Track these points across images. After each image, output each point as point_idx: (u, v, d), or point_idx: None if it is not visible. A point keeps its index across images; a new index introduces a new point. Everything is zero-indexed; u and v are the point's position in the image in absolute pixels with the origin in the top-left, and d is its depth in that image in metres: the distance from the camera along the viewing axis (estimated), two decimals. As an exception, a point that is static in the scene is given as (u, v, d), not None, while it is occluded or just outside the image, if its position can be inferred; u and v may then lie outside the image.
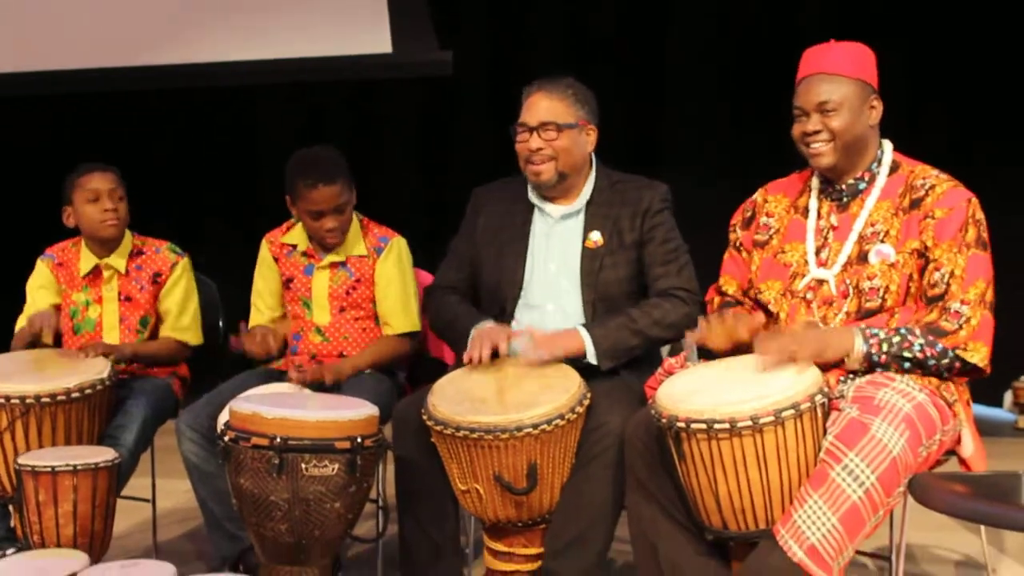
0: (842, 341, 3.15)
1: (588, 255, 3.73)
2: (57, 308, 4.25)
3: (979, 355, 3.13)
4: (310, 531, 3.23)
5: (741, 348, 3.29)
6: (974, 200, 3.23)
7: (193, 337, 4.29)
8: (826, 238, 3.35)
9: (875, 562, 4.01)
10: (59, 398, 3.66)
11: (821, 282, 3.31)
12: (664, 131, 6.64)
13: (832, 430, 2.98)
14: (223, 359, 4.41)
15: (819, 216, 3.39)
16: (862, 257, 3.27)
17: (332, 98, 7.09)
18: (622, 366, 3.62)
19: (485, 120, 6.56)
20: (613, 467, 3.36)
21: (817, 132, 3.28)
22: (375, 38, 6.84)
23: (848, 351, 3.14)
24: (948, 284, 3.15)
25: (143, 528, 4.48)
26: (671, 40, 6.62)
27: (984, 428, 3.37)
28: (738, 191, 3.65)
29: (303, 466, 3.19)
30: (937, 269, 3.17)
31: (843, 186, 3.35)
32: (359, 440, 3.24)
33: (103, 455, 3.51)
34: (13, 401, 3.63)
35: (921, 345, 3.12)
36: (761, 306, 3.42)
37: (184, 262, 4.30)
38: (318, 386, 3.83)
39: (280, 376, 3.97)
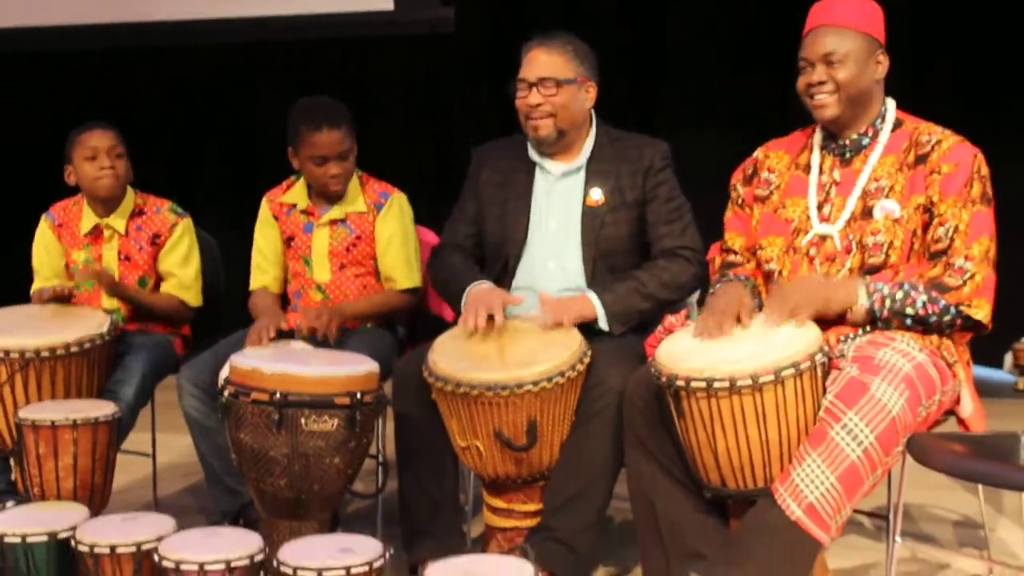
0: (847, 294, 3.15)
1: (589, 213, 3.72)
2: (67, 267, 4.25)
3: (982, 311, 3.13)
4: (309, 486, 3.24)
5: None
6: (979, 156, 3.22)
7: (193, 298, 4.27)
8: (828, 193, 3.34)
9: (873, 521, 4.03)
10: (58, 352, 3.66)
11: (824, 238, 3.30)
12: (664, 89, 6.60)
13: (832, 389, 2.98)
14: (224, 318, 4.41)
15: (821, 171, 3.38)
16: (866, 212, 3.26)
17: (332, 56, 7.04)
18: (625, 324, 3.62)
19: (487, 78, 6.52)
20: (613, 425, 3.36)
21: (822, 83, 3.26)
22: (376, -6, 6.81)
23: (852, 304, 3.14)
24: (952, 239, 3.15)
25: (143, 482, 4.49)
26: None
27: (984, 389, 3.37)
28: (739, 149, 3.64)
29: (303, 421, 3.19)
30: (941, 224, 3.17)
31: (846, 141, 3.34)
32: (359, 396, 3.24)
33: (103, 409, 3.52)
34: (12, 355, 3.63)
35: (924, 302, 3.11)
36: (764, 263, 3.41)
37: (185, 223, 4.28)
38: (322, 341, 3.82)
39: (281, 334, 3.96)
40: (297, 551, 2.91)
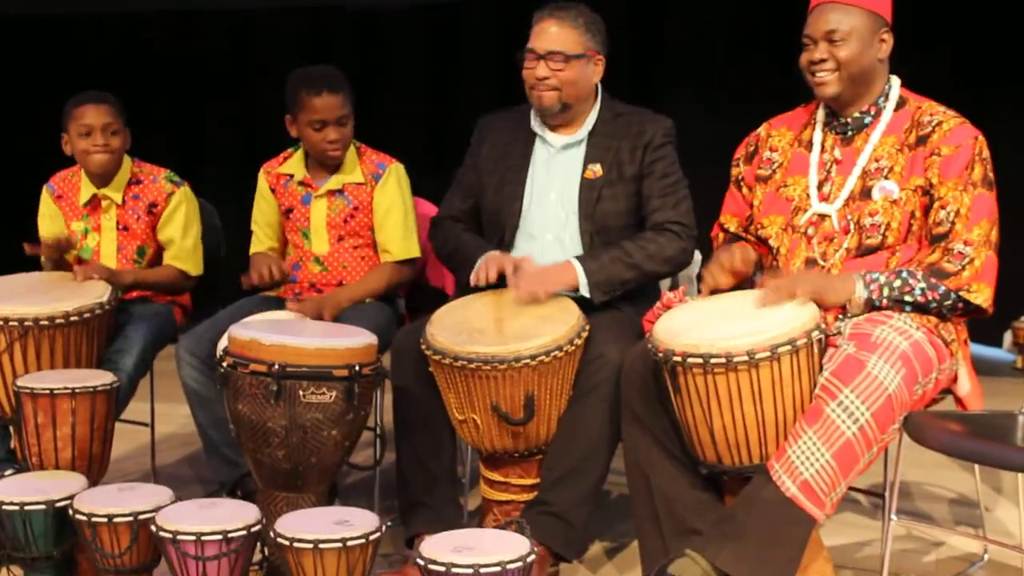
0: (844, 287, 3.14)
1: (587, 186, 3.70)
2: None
3: (982, 296, 3.13)
4: (307, 458, 3.25)
5: (742, 283, 3.29)
6: (981, 138, 3.21)
7: (193, 267, 4.26)
8: (829, 172, 3.33)
9: (869, 499, 4.04)
10: (58, 321, 3.66)
11: (823, 217, 3.30)
12: (667, 63, 6.58)
13: (828, 366, 2.98)
14: (223, 286, 4.41)
15: (823, 149, 3.37)
16: (865, 193, 3.26)
17: (336, 24, 7.02)
18: (621, 299, 3.61)
19: (493, 47, 6.49)
20: (610, 399, 3.37)
21: (823, 61, 3.25)
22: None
23: (849, 297, 3.14)
24: (953, 223, 3.14)
25: (142, 452, 4.50)
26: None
27: (983, 368, 3.38)
28: (742, 125, 3.63)
29: (301, 393, 3.19)
30: (943, 207, 3.16)
31: (848, 119, 3.33)
32: (357, 368, 3.25)
33: (101, 379, 3.52)
34: (12, 323, 3.63)
35: (923, 289, 3.11)
36: (762, 242, 3.41)
37: (182, 191, 4.26)
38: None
39: (280, 304, 3.97)
40: (294, 523, 2.92)
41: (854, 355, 2.96)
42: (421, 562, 2.69)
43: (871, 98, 3.31)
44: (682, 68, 6.50)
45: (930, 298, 3.11)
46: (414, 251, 4.12)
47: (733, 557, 2.95)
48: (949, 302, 3.12)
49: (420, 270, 4.25)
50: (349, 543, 2.85)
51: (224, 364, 3.28)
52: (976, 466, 3.64)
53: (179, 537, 2.89)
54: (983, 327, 3.40)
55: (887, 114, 3.30)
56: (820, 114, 3.41)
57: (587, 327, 3.43)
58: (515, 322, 3.45)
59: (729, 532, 2.98)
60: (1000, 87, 5.91)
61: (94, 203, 4.22)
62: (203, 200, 4.43)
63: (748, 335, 2.96)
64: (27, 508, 3.13)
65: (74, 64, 7.01)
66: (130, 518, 3.04)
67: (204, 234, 4.35)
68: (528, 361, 3.30)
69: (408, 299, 4.29)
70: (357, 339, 3.33)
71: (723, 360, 2.93)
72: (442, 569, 2.65)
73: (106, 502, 3.09)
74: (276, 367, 3.17)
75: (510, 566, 2.65)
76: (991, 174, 3.20)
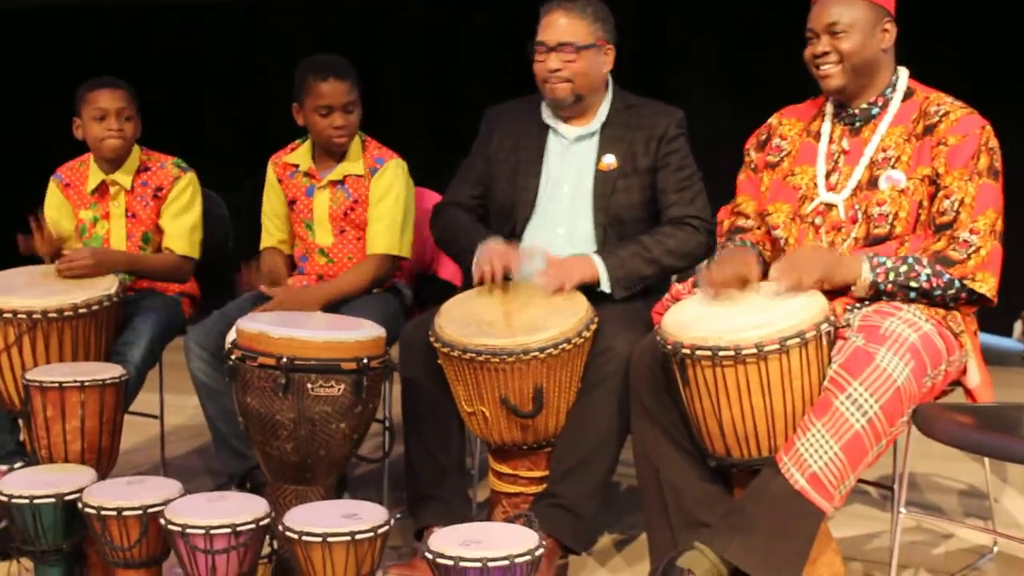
0: (850, 268, 3.14)
1: (601, 178, 3.70)
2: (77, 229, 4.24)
3: (987, 285, 3.12)
4: (315, 451, 3.25)
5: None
6: (988, 128, 3.21)
7: (189, 249, 4.20)
8: (837, 162, 3.33)
9: (878, 491, 4.03)
10: (66, 314, 3.66)
11: (830, 206, 3.30)
12: (675, 54, 6.57)
13: (837, 359, 2.98)
14: (232, 278, 4.40)
15: (831, 140, 3.37)
16: (872, 182, 3.25)
17: (340, 15, 7.01)
18: (632, 292, 3.61)
19: (497, 38, 6.48)
20: (619, 392, 3.36)
21: (826, 54, 3.25)
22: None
23: (855, 278, 3.13)
24: (957, 212, 3.14)
25: (151, 444, 4.51)
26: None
27: (992, 358, 3.37)
28: (751, 116, 3.63)
29: (309, 386, 3.19)
30: (947, 197, 3.16)
31: (856, 110, 3.32)
32: (365, 361, 3.24)
33: (110, 372, 3.52)
34: (20, 316, 3.63)
35: (928, 275, 3.10)
36: (769, 230, 3.40)
37: (188, 177, 4.24)
38: None
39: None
40: (302, 517, 2.92)
41: (863, 347, 2.95)
42: (429, 556, 2.69)
43: (878, 89, 3.30)
44: (689, 59, 6.48)
45: (935, 284, 3.10)
46: (397, 248, 4.05)
47: (742, 550, 2.95)
48: (953, 290, 3.11)
49: (429, 262, 4.25)
50: (358, 537, 2.84)
51: (232, 357, 3.28)
52: (986, 458, 3.63)
53: (188, 530, 2.88)
54: (993, 317, 3.39)
55: (895, 104, 3.30)
56: (829, 107, 3.41)
57: (596, 319, 3.43)
58: (524, 314, 3.44)
59: (738, 525, 2.98)
60: (1010, 81, 5.88)
61: (102, 190, 4.21)
62: (210, 191, 4.42)
63: (757, 327, 2.96)
64: (36, 501, 3.13)
65: (75, 58, 6.98)
66: (139, 511, 3.03)
67: (212, 225, 4.35)
68: (537, 354, 3.30)
69: (416, 291, 4.28)
70: (365, 332, 3.32)
71: (732, 353, 2.93)
72: (450, 563, 2.65)
73: (115, 495, 3.09)
74: (284, 360, 3.17)
75: (518, 560, 2.64)
76: (997, 164, 3.19)
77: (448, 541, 2.70)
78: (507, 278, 3.55)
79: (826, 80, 3.27)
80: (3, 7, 7.17)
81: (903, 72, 3.34)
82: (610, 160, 3.70)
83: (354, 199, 4.05)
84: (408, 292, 4.23)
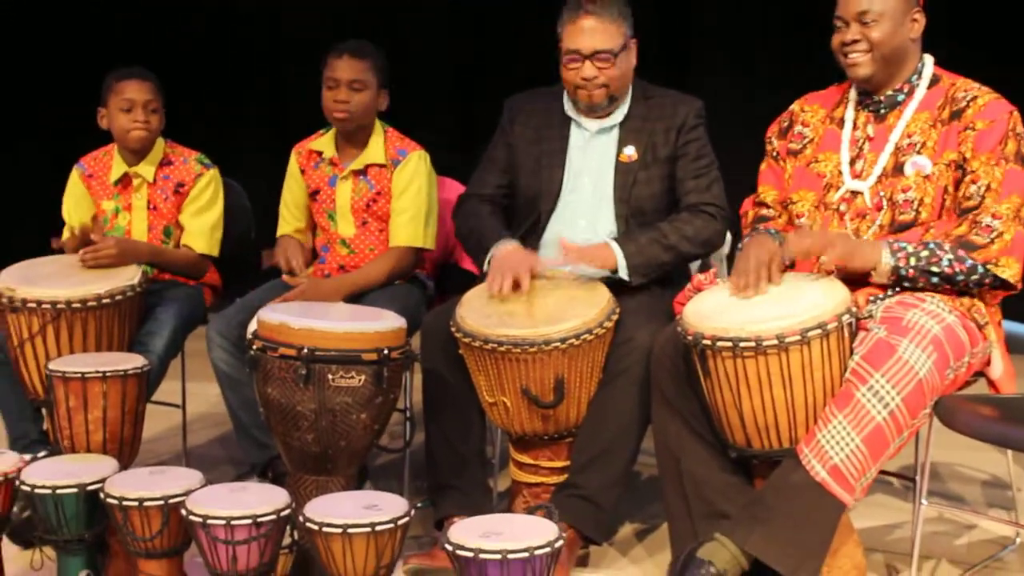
0: (871, 252, 3.13)
1: (622, 169, 3.69)
2: (94, 218, 4.24)
3: (1011, 271, 3.10)
4: (336, 441, 3.25)
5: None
6: (1016, 113, 3.19)
7: (207, 247, 4.21)
8: (861, 149, 3.31)
9: (900, 481, 4.01)
10: (89, 304, 3.67)
11: (856, 194, 3.29)
12: (696, 43, 6.54)
13: (859, 350, 2.97)
14: (254, 267, 4.41)
15: (855, 127, 3.35)
16: (897, 169, 3.24)
17: (365, 2, 6.99)
18: (651, 281, 3.60)
19: (518, 27, 6.46)
20: (640, 382, 3.36)
21: (855, 42, 3.23)
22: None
23: (875, 263, 3.12)
24: (983, 197, 3.12)
25: (173, 433, 4.52)
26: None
27: (1016, 346, 3.34)
28: (773, 104, 3.61)
29: (330, 377, 3.20)
30: (974, 182, 3.14)
31: (881, 97, 3.31)
32: (386, 352, 3.24)
33: (132, 362, 3.53)
34: (44, 306, 3.64)
35: (950, 260, 3.08)
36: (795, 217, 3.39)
37: (211, 174, 4.24)
38: None
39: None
40: (323, 508, 2.92)
41: (885, 339, 2.94)
42: (449, 547, 2.69)
43: (903, 77, 3.29)
44: (713, 46, 6.45)
45: (957, 270, 3.08)
46: (420, 240, 4.05)
47: (762, 541, 2.95)
48: (976, 276, 3.09)
49: (451, 251, 4.24)
50: (378, 528, 2.84)
51: (253, 348, 3.29)
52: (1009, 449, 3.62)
53: (209, 521, 2.89)
54: (1017, 304, 3.37)
55: (920, 91, 3.28)
56: (852, 93, 3.39)
57: (617, 310, 3.42)
58: (545, 305, 3.44)
59: (758, 516, 2.98)
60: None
61: (125, 181, 4.21)
62: (233, 181, 4.42)
63: (778, 319, 2.95)
64: (59, 491, 3.14)
65: (98, 48, 6.98)
66: (160, 502, 3.04)
67: (235, 215, 4.35)
68: (558, 344, 3.30)
69: (438, 281, 4.29)
70: (386, 323, 3.33)
71: (752, 344, 2.92)
72: (470, 554, 2.65)
73: (137, 486, 3.09)
74: (305, 351, 3.18)
75: (538, 552, 2.65)
76: (1024, 149, 3.17)
77: (468, 533, 2.71)
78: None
79: (854, 69, 3.25)
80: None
81: (928, 59, 3.32)
82: (630, 152, 3.69)
83: (376, 191, 4.05)
84: (430, 284, 4.23)
